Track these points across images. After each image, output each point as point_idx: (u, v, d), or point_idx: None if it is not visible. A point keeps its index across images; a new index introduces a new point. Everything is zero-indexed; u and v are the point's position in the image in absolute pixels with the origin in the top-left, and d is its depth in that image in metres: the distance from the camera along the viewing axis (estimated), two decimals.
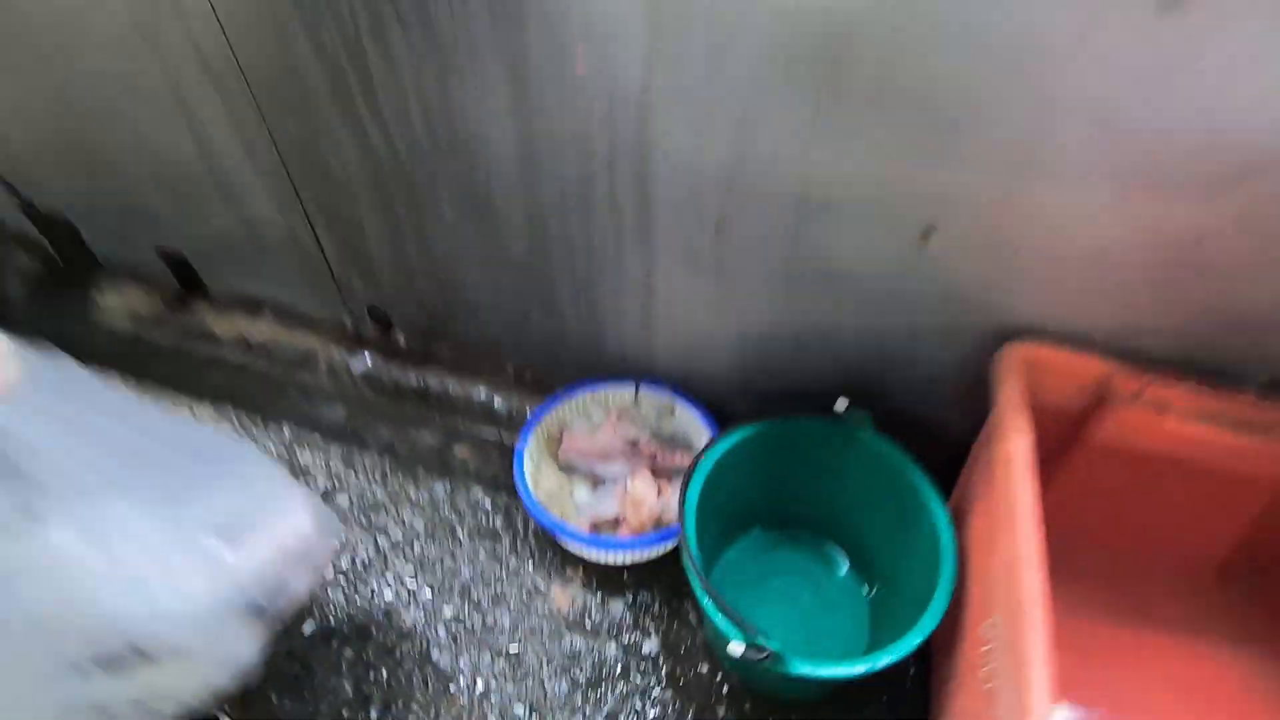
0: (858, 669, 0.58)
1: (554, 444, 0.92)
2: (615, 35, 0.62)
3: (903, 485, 0.72)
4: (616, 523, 0.84)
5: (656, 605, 0.83)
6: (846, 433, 0.75)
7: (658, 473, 0.88)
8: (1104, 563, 0.79)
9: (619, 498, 0.85)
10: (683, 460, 0.89)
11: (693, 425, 0.90)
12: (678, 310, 0.85)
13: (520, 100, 0.70)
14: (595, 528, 0.84)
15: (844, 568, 0.83)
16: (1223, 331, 0.64)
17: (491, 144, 0.75)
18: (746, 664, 0.74)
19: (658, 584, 0.85)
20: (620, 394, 0.94)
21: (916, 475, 0.71)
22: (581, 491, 0.89)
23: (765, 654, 0.57)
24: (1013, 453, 0.60)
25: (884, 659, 0.58)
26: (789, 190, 0.68)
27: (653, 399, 0.93)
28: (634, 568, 0.85)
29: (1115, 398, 0.67)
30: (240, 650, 0.60)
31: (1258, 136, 0.52)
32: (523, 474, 0.83)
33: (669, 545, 0.81)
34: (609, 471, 0.89)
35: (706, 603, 0.61)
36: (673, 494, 0.85)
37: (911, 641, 0.59)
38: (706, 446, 0.73)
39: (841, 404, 0.75)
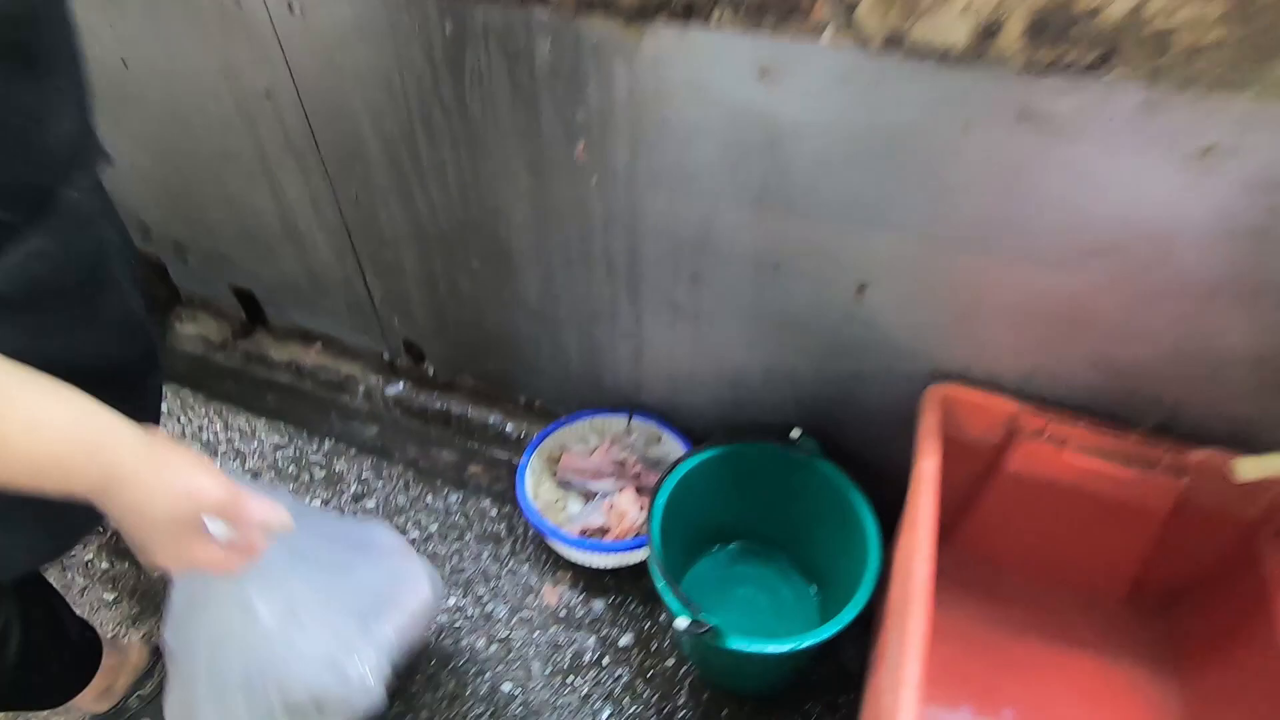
0: (784, 648, 0.69)
1: (554, 463, 1.06)
2: (607, 128, 0.79)
3: (844, 504, 0.84)
4: (603, 532, 0.97)
5: (633, 607, 0.95)
6: (799, 459, 0.88)
7: (642, 491, 1.01)
8: (1027, 586, 0.88)
9: (606, 510, 0.98)
10: None
11: (677, 451, 1.03)
12: (663, 352, 0.99)
13: (535, 176, 0.87)
14: (584, 535, 0.97)
15: (797, 579, 0.94)
16: (1111, 381, 0.76)
17: (512, 210, 0.92)
18: (701, 650, 0.85)
19: (636, 590, 0.96)
20: (615, 422, 1.08)
21: (855, 495, 0.83)
22: (574, 505, 1.02)
23: (705, 629, 0.69)
24: (922, 473, 0.72)
25: (806, 641, 0.69)
26: (747, 251, 0.82)
27: (643, 428, 1.07)
28: (616, 575, 0.97)
29: (1023, 433, 0.79)
30: (378, 695, 0.75)
31: (1105, 223, 0.65)
32: (524, 486, 0.97)
33: (644, 552, 0.93)
34: (599, 488, 1.02)
35: (661, 584, 0.73)
36: None
37: (831, 628, 0.70)
38: (676, 461, 0.86)
39: (795, 433, 0.88)
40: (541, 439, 1.04)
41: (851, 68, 0.65)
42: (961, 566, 0.91)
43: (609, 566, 0.95)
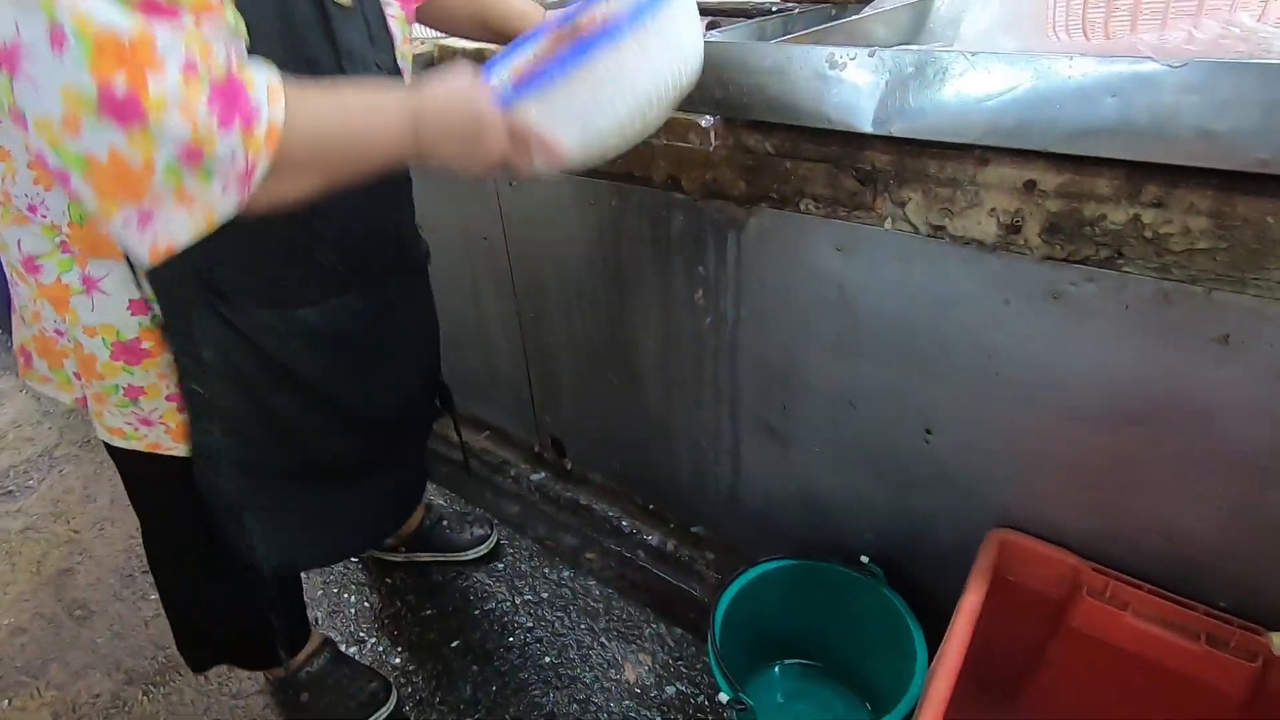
0: None
1: None
2: (719, 282, 1.00)
3: (902, 632, 0.89)
4: None
5: (700, 700, 1.03)
6: (865, 582, 0.95)
7: None
8: None
9: None
10: None
11: None
12: (757, 470, 1.13)
13: (663, 313, 1.09)
14: None
15: (855, 701, 0.98)
16: (1175, 549, 0.78)
17: (643, 339, 1.15)
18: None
19: (705, 684, 1.05)
20: None
21: (912, 623, 0.88)
22: None
23: (743, 706, 0.78)
24: (963, 606, 0.78)
25: None
26: (826, 389, 0.97)
27: None
28: (691, 668, 1.07)
29: (1085, 590, 0.81)
30: None
31: (1140, 392, 0.72)
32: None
33: None
34: None
35: (712, 659, 0.83)
36: None
37: None
38: (749, 564, 0.97)
39: (864, 559, 0.96)
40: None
41: (909, 248, 0.81)
42: None
43: None
